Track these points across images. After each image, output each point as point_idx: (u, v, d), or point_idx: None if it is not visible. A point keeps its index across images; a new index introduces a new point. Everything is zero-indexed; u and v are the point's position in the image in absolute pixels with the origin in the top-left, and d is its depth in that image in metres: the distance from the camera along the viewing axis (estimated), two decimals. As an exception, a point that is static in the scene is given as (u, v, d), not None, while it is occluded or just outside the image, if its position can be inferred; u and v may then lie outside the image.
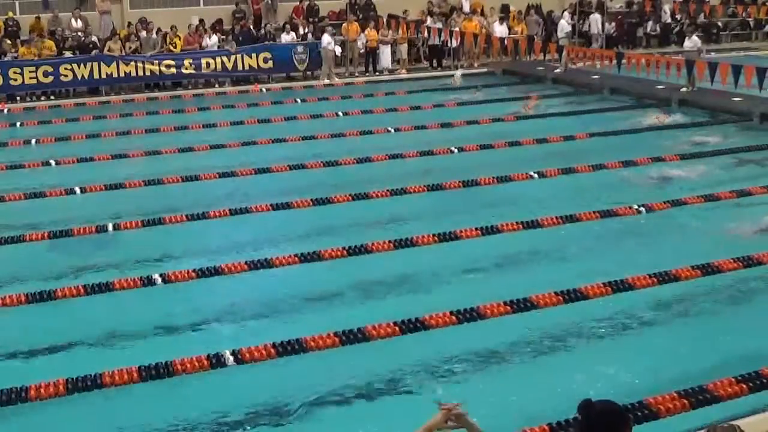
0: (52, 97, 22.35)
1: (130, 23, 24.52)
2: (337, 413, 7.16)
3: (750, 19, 31.42)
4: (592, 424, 3.79)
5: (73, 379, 7.40)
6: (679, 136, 17.02)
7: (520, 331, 8.42)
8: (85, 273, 10.14)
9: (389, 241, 10.73)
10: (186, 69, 23.10)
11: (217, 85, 23.73)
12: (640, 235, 11.34)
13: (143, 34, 23.55)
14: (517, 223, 11.37)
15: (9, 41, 22.71)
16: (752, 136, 16.75)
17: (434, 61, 26.28)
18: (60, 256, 10.88)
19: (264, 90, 23.12)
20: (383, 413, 7.17)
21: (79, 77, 22.20)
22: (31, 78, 21.72)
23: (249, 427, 6.96)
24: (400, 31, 25.86)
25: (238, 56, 23.58)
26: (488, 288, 9.50)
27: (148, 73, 22.87)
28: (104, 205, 12.89)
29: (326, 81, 23.91)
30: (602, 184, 13.63)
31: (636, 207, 12.03)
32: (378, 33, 25.25)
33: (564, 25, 25.65)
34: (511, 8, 28.44)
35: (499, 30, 26.10)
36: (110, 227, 11.63)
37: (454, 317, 8.50)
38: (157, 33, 23.66)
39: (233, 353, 7.81)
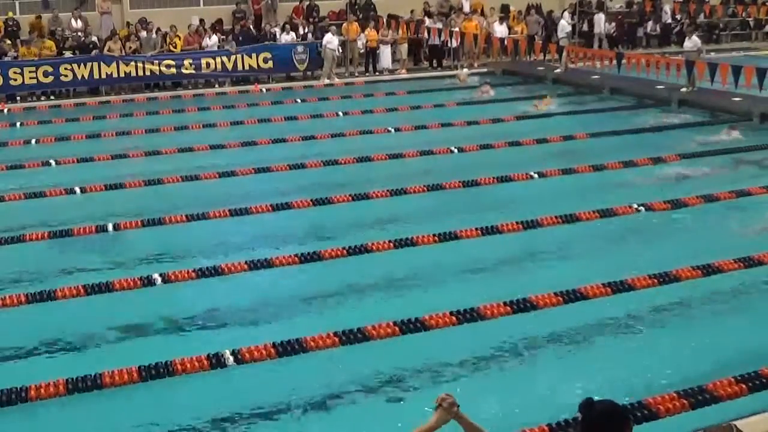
0: (52, 97, 22.35)
1: (128, 23, 24.49)
2: (337, 413, 7.16)
3: (750, 19, 31.43)
4: (593, 423, 3.80)
5: (73, 379, 7.40)
6: (679, 136, 17.02)
7: (520, 331, 8.42)
8: (85, 273, 10.13)
9: (389, 241, 10.73)
10: (186, 69, 23.10)
11: (217, 85, 23.73)
12: (640, 235, 11.35)
13: (143, 34, 23.55)
14: (517, 223, 11.37)
15: (9, 41, 22.72)
16: (752, 136, 16.75)
17: (434, 61, 26.28)
18: (60, 256, 10.88)
19: (264, 90, 23.12)
20: (383, 413, 7.17)
21: (79, 77, 22.19)
22: (31, 78, 21.72)
23: (249, 427, 6.96)
24: (400, 31, 25.87)
25: (238, 56, 23.58)
26: (488, 288, 9.50)
27: (148, 73, 22.87)
28: (104, 205, 12.89)
29: (326, 81, 23.92)
30: (602, 184, 13.64)
31: (636, 207, 12.03)
32: (378, 33, 25.26)
33: (564, 25, 25.65)
34: (511, 8, 28.46)
35: (499, 30, 26.11)
36: (110, 227, 11.64)
37: (454, 317, 8.50)
38: (157, 33, 23.66)
39: (233, 353, 7.81)
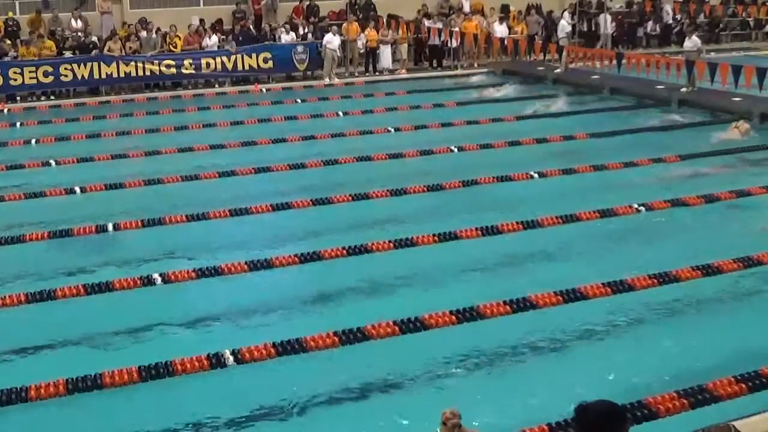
0: (52, 97, 22.36)
1: (125, 23, 24.46)
2: (337, 413, 7.16)
3: (750, 19, 31.43)
4: (591, 424, 3.78)
5: (73, 379, 7.40)
6: (679, 136, 17.02)
7: (520, 331, 8.42)
8: (85, 273, 10.13)
9: (389, 241, 10.73)
10: (186, 69, 23.10)
11: (217, 85, 23.74)
12: (640, 235, 11.35)
13: (143, 34, 23.56)
14: (517, 223, 11.37)
15: (9, 41, 22.72)
16: (752, 136, 16.74)
17: (434, 61, 26.28)
18: (60, 256, 10.89)
19: (264, 90, 23.12)
20: (383, 413, 7.17)
21: (79, 77, 22.20)
22: (31, 78, 21.72)
23: (249, 427, 6.96)
24: (400, 31, 25.87)
25: (238, 56, 23.58)
26: (488, 288, 9.50)
27: (148, 73, 22.87)
28: (104, 205, 12.89)
29: (326, 81, 23.92)
30: (602, 184, 13.63)
31: (636, 207, 12.03)
32: (378, 33, 25.26)
33: (564, 25, 25.65)
34: (511, 8, 28.46)
35: (499, 30, 26.12)
36: (110, 227, 11.64)
37: (454, 317, 8.50)
38: (157, 33, 23.67)
39: (233, 353, 7.81)
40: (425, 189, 13.24)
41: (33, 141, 17.52)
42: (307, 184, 13.81)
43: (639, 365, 7.83)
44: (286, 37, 24.64)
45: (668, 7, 30.34)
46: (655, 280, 9.36)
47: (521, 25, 27.47)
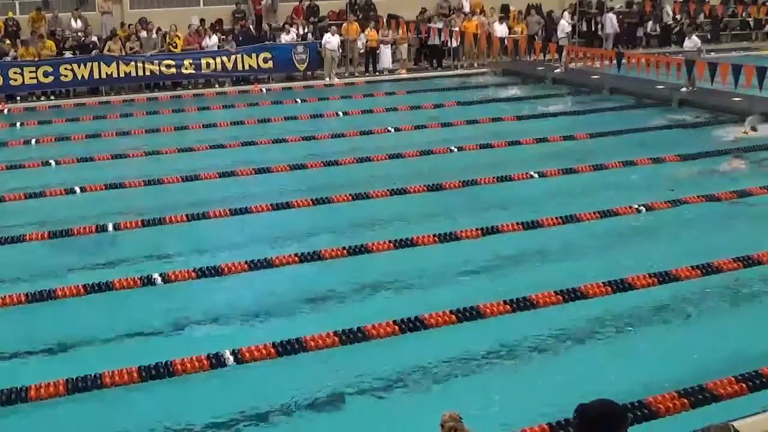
0: (52, 97, 22.34)
1: (123, 23, 24.46)
2: (338, 412, 7.16)
3: (750, 19, 31.42)
4: (590, 423, 3.78)
5: (73, 379, 7.40)
6: (679, 136, 17.02)
7: (520, 331, 8.42)
8: (85, 273, 10.13)
9: (389, 241, 10.73)
10: (186, 69, 23.09)
11: (217, 85, 23.73)
12: (640, 235, 11.35)
13: (143, 34, 23.56)
14: (517, 223, 11.37)
15: (9, 41, 22.72)
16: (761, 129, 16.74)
17: (434, 61, 26.27)
18: (60, 256, 10.89)
19: (264, 90, 23.12)
20: (383, 413, 7.18)
21: (79, 77, 22.18)
22: (31, 78, 21.71)
23: (249, 427, 6.95)
24: (400, 31, 25.87)
25: (238, 56, 23.58)
26: (488, 288, 9.51)
27: (148, 73, 22.86)
28: (104, 205, 12.89)
29: (327, 81, 23.92)
30: (602, 184, 13.63)
31: (636, 207, 12.03)
32: (378, 33, 25.26)
33: (564, 25, 25.64)
34: (511, 8, 28.45)
35: (499, 30, 26.11)
36: (110, 227, 11.64)
37: (454, 317, 8.50)
38: (157, 33, 23.67)
39: (233, 353, 7.81)
40: (425, 189, 13.24)
41: (33, 141, 17.52)
42: (307, 184, 13.82)
43: (639, 365, 7.85)
44: (286, 37, 24.64)
45: (668, 7, 30.33)
46: (655, 280, 9.37)
47: (521, 25, 27.47)
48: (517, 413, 6.87)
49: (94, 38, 23.55)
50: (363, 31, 25.15)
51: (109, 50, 22.70)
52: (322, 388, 7.43)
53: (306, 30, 25.38)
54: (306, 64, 24.43)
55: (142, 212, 12.30)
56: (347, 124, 18.50)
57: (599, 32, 28.20)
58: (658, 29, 29.62)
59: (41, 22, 23.57)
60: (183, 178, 14.15)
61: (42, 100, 22.08)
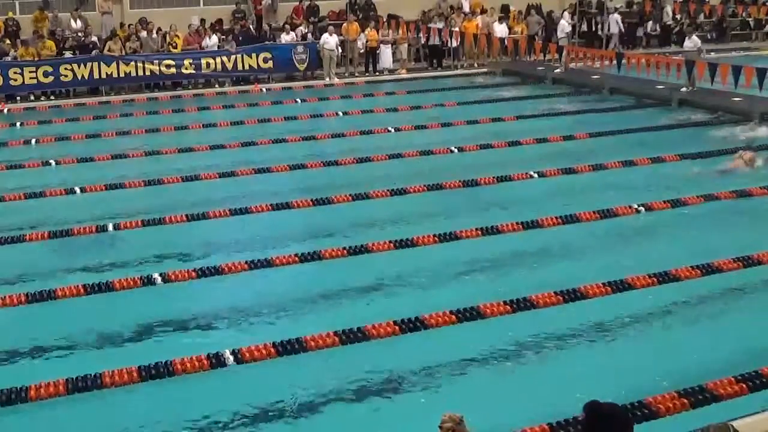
0: (52, 97, 22.35)
1: (123, 23, 24.47)
2: (337, 413, 7.16)
3: (750, 19, 31.42)
4: (595, 425, 3.78)
5: (73, 379, 7.40)
6: (679, 136, 17.01)
7: (520, 331, 8.42)
8: (85, 273, 10.13)
9: (389, 241, 10.73)
10: (186, 69, 23.09)
11: (217, 85, 23.73)
12: (640, 235, 11.35)
13: (143, 34, 23.56)
14: (517, 223, 11.38)
15: (9, 41, 22.72)
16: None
17: (434, 61, 26.28)
18: (60, 256, 10.89)
19: (264, 90, 23.12)
20: (383, 413, 7.17)
21: (79, 77, 22.18)
22: (31, 78, 21.71)
23: (249, 427, 6.95)
24: (400, 31, 25.87)
25: (238, 56, 23.58)
26: (488, 288, 9.50)
27: (148, 73, 22.86)
28: (104, 205, 12.89)
29: (327, 81, 23.92)
30: (602, 184, 13.63)
31: (636, 207, 12.03)
32: (378, 33, 25.26)
33: (564, 25, 25.63)
34: (511, 8, 28.46)
35: (499, 30, 26.11)
36: (110, 227, 11.64)
37: (454, 317, 8.51)
38: (157, 33, 23.67)
39: (233, 353, 7.82)
40: (425, 189, 13.25)
41: (33, 141, 17.52)
42: (307, 184, 13.82)
43: (639, 365, 7.84)
44: (286, 37, 24.64)
45: (668, 7, 30.33)
46: (655, 280, 9.37)
47: (521, 25, 27.47)
48: (517, 413, 6.87)
49: (94, 38, 23.56)
50: (363, 31, 25.15)
51: (109, 50, 22.71)
52: (322, 388, 7.43)
53: (306, 30, 25.38)
54: (306, 64, 24.43)
55: (142, 212, 12.30)
56: (347, 124, 18.51)
57: (599, 32, 28.20)
58: (658, 29, 29.64)
59: (44, 22, 23.59)
60: (183, 178, 14.16)
61: (42, 100, 22.08)
